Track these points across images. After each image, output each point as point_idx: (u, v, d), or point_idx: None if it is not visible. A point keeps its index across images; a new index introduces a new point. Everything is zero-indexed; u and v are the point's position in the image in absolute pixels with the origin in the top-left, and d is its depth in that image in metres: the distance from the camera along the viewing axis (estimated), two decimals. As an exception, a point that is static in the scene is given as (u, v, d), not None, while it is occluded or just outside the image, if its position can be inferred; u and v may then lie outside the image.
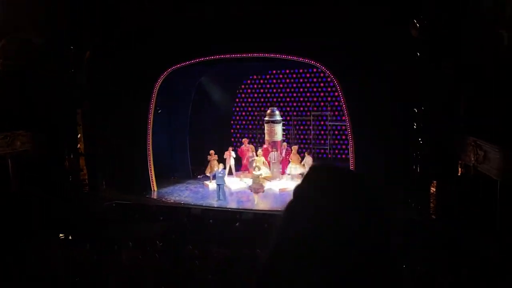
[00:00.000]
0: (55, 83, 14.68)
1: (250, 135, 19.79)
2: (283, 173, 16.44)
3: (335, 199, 1.22)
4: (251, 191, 14.20)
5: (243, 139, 17.41)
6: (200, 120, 18.63)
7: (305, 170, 14.65)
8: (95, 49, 15.38)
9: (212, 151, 16.18)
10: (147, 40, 15.34)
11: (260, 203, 14.40)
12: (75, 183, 15.38)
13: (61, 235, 11.56)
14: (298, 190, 1.33)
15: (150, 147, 15.82)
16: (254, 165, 15.52)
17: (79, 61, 15.14)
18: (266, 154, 16.33)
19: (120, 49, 15.51)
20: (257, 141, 19.53)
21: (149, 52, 15.37)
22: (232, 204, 14.40)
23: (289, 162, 15.86)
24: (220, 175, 14.46)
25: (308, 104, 19.20)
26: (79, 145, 15.54)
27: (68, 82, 15.01)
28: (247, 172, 16.67)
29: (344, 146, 18.75)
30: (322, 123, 19.10)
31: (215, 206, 14.20)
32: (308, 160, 15.12)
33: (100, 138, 15.98)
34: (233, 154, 16.61)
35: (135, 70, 15.50)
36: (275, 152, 16.09)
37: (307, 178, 1.33)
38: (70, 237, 11.55)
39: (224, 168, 15.63)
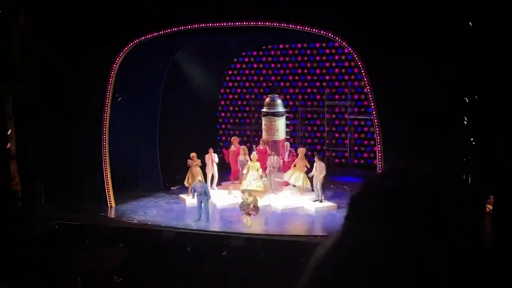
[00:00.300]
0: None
1: (242, 132, 19.70)
2: (285, 184, 16.32)
3: (412, 221, 1.32)
4: (241, 212, 14.03)
5: (232, 138, 17.28)
6: (174, 112, 18.48)
7: (318, 181, 14.82)
8: (32, 11, 15.19)
9: (193, 154, 16.01)
10: (104, 1, 15.21)
11: (254, 225, 14.26)
12: (4, 196, 15.19)
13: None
14: (357, 207, 1.43)
15: (106, 147, 15.69)
16: (244, 172, 15.42)
17: (9, 28, 14.94)
18: (263, 158, 16.20)
19: (66, 13, 15.35)
20: (251, 140, 19.45)
21: (105, 17, 15.22)
22: (217, 226, 14.29)
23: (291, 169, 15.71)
24: (202, 188, 14.31)
25: (321, 91, 19.16)
26: (8, 144, 15.36)
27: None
28: (238, 182, 16.54)
29: (369, 149, 18.71)
30: (339, 116, 19.06)
31: (195, 228, 14.08)
32: (320, 167, 14.97)
33: (38, 136, 15.81)
34: (215, 157, 16.48)
35: (86, 42, 15.34)
36: (275, 156, 15.99)
37: (371, 191, 1.43)
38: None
39: (204, 177, 15.52)
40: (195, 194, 14.59)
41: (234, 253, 12.55)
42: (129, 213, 15.32)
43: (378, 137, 13.89)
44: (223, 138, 20.73)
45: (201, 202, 14.30)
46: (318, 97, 19.35)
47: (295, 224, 14.09)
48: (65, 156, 15.98)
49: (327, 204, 15.15)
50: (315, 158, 15.37)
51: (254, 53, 20.12)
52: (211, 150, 16.68)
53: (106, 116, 15.57)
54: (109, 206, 15.80)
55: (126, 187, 16.89)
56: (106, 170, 15.70)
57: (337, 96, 19.06)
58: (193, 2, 14.72)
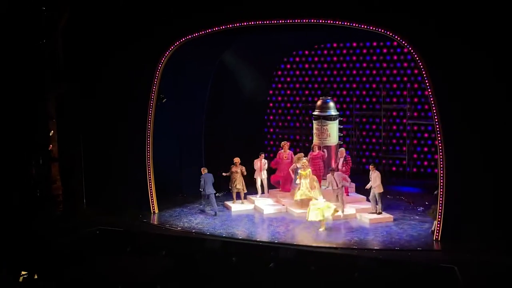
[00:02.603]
0: (17, 58, 14.85)
1: (291, 137, 19.59)
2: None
3: None
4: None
5: (283, 143, 17.14)
6: (221, 114, 18.55)
7: (376, 191, 14.52)
8: (75, 11, 15.50)
9: (236, 159, 16.05)
10: (148, 0, 15.39)
11: (303, 237, 14.14)
12: (45, 200, 15.52)
13: (23, 273, 11.61)
14: None
15: (150, 152, 15.84)
16: (297, 181, 15.32)
17: (53, 28, 15.29)
18: (316, 164, 16.06)
19: (110, 13, 15.59)
20: (301, 146, 19.32)
21: (150, 17, 15.38)
22: (265, 236, 14.23)
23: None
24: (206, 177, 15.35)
25: (377, 93, 18.87)
26: (51, 146, 15.69)
27: (37, 57, 15.15)
28: (287, 190, 16.45)
29: (429, 156, 18.30)
30: (397, 121, 18.73)
31: (240, 237, 14.06)
32: (374, 176, 14.70)
33: (81, 138, 16.10)
34: (265, 164, 16.43)
35: (129, 43, 15.54)
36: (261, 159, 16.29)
37: None
38: (35, 277, 11.60)
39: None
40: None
41: (282, 265, 12.45)
42: (172, 220, 15.43)
43: (439, 144, 13.54)
44: (271, 142, 20.68)
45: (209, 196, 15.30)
46: (374, 100, 19.05)
47: (347, 236, 13.87)
48: (108, 160, 16.23)
49: (382, 215, 14.87)
50: (370, 166, 15.10)
51: (306, 52, 19.99)
52: (262, 155, 16.63)
53: (150, 119, 15.72)
54: (152, 212, 15.95)
55: (170, 193, 17.02)
56: (150, 175, 15.85)
57: (394, 99, 18.73)
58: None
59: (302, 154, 16.16)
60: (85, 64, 15.88)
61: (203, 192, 15.63)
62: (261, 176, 16.49)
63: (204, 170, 15.68)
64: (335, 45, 19.51)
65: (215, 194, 15.73)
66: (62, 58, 15.58)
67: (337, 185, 14.98)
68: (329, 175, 15.22)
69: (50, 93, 15.60)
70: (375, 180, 14.69)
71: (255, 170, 16.46)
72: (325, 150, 16.42)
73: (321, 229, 14.13)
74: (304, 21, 14.39)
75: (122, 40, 15.66)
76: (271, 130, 20.79)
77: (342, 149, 16.33)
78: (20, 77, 15.13)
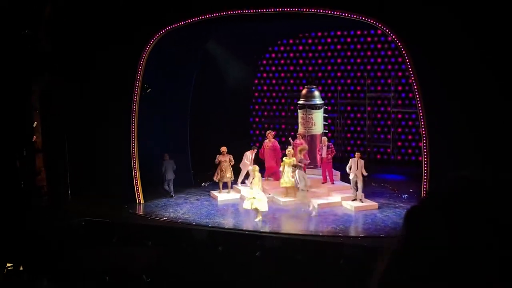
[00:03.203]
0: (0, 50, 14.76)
1: (276, 126, 19.64)
2: (324, 180, 16.24)
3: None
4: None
5: (268, 132, 17.19)
6: (206, 104, 18.55)
7: (358, 179, 14.64)
8: (59, 3, 15.41)
9: (223, 149, 16.07)
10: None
11: (289, 225, 14.24)
12: (29, 191, 15.47)
13: (8, 265, 11.61)
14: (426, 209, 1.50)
15: (135, 141, 15.83)
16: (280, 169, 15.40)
17: (37, 18, 15.20)
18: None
19: (93, 4, 15.51)
20: (286, 134, 19.40)
21: (134, 7, 15.32)
22: (250, 225, 14.30)
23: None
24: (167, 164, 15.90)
25: (362, 82, 18.97)
26: (35, 137, 15.63)
27: (20, 48, 15.06)
28: (272, 179, 16.52)
29: (414, 144, 18.46)
30: (381, 109, 18.85)
31: (226, 227, 14.12)
32: (360, 165, 14.79)
33: (65, 128, 16.05)
34: (253, 156, 16.37)
35: (113, 32, 15.48)
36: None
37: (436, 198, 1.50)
38: (20, 269, 11.59)
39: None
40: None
41: (268, 253, 12.53)
42: (158, 210, 15.45)
43: (423, 132, 13.68)
44: (257, 132, 20.73)
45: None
46: (358, 88, 19.16)
47: (333, 224, 14.01)
48: (93, 150, 16.19)
49: (367, 203, 15.02)
50: (355, 154, 15.21)
51: (290, 41, 20.03)
52: (254, 149, 16.55)
53: (135, 109, 15.70)
54: (138, 202, 15.94)
55: (155, 183, 17.04)
56: (135, 165, 15.85)
57: (379, 88, 18.85)
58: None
59: (307, 147, 15.93)
60: (69, 56, 15.80)
61: (165, 178, 16.19)
62: (247, 168, 16.41)
63: (166, 157, 16.11)
64: (319, 34, 19.55)
65: (173, 179, 16.32)
66: (46, 49, 15.47)
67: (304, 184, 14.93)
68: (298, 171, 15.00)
69: (34, 84, 15.51)
70: (361, 168, 14.72)
71: (244, 160, 16.35)
72: (303, 141, 16.35)
73: (256, 219, 14.05)
74: (288, 9, 14.42)
75: (106, 31, 15.58)
76: (257, 119, 20.83)
77: (325, 138, 16.41)
78: (3, 69, 15.03)
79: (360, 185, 14.82)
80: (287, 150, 15.61)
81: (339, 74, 19.45)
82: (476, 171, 1.61)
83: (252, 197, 14.06)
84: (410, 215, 1.50)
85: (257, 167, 14.90)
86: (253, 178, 14.76)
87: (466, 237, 1.38)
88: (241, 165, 16.35)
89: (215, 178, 16.11)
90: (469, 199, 1.44)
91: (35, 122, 15.62)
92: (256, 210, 14.03)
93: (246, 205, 14.26)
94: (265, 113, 20.66)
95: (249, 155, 16.26)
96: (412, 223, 1.49)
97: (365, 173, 14.64)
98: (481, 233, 1.37)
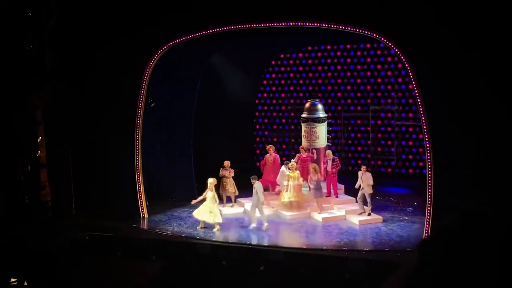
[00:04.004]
0: (2, 63, 14.82)
1: (280, 139, 19.65)
2: (328, 194, 16.22)
3: None
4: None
5: (268, 146, 17.19)
6: (209, 118, 18.58)
7: (365, 192, 14.63)
8: (63, 16, 15.50)
9: (226, 162, 16.08)
10: (135, 4, 15.39)
11: (294, 238, 14.20)
12: (33, 206, 15.47)
13: (12, 280, 11.59)
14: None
15: (138, 155, 15.84)
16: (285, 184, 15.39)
17: (40, 33, 15.27)
18: (305, 166, 16.12)
19: (97, 17, 15.60)
20: (290, 148, 19.41)
21: (138, 21, 15.41)
22: (255, 239, 14.27)
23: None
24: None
25: (365, 95, 18.99)
26: (39, 152, 15.65)
27: (24, 62, 15.12)
28: (274, 193, 16.51)
29: (418, 157, 18.43)
30: (385, 122, 18.85)
31: (230, 241, 14.07)
32: (366, 177, 14.79)
33: (69, 143, 16.07)
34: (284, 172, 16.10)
35: (117, 46, 15.56)
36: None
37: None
38: (25, 284, 11.57)
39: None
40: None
41: (272, 267, 12.49)
42: (162, 225, 15.43)
43: (427, 145, 13.66)
44: (260, 145, 20.75)
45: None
46: (362, 101, 19.18)
47: (337, 237, 13.97)
48: (97, 165, 16.21)
49: (372, 216, 14.98)
50: (361, 168, 15.20)
51: (294, 55, 20.09)
52: (288, 163, 16.37)
53: (139, 123, 15.73)
54: (141, 217, 15.94)
55: (159, 197, 17.02)
56: (139, 179, 15.85)
57: (382, 101, 18.86)
58: (226, 3, 14.76)
59: (316, 166, 15.69)
60: (73, 69, 15.86)
61: None
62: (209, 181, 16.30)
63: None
64: (322, 47, 19.61)
65: None
66: (50, 62, 15.55)
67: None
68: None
69: (38, 99, 15.56)
70: (366, 180, 14.75)
71: (279, 177, 16.15)
72: (314, 150, 16.50)
73: (199, 227, 14.65)
74: (292, 24, 14.48)
75: (110, 45, 15.66)
76: (260, 133, 20.85)
77: (329, 151, 16.42)
78: (7, 83, 15.10)
79: (368, 199, 14.81)
80: (290, 164, 15.59)
81: (342, 87, 19.47)
82: (478, 203, 1.67)
83: (209, 211, 14.35)
84: (422, 247, 1.64)
85: (215, 180, 14.83)
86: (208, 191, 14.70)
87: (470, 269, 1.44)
88: (277, 181, 16.26)
89: (220, 191, 16.16)
90: (474, 233, 1.54)
91: (40, 137, 15.65)
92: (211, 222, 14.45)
93: (196, 214, 14.61)
94: (269, 127, 20.68)
95: (285, 171, 15.93)
96: (424, 255, 1.60)
97: (371, 183, 14.64)
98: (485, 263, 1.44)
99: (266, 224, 14.55)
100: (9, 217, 14.63)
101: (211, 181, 14.62)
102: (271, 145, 17.20)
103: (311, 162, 16.21)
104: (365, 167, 15.12)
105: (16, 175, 15.47)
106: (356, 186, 14.97)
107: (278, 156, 16.95)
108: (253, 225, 14.67)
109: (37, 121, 15.67)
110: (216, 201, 14.55)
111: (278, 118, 20.52)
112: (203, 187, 17.20)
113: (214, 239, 14.15)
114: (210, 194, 14.46)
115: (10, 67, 15.08)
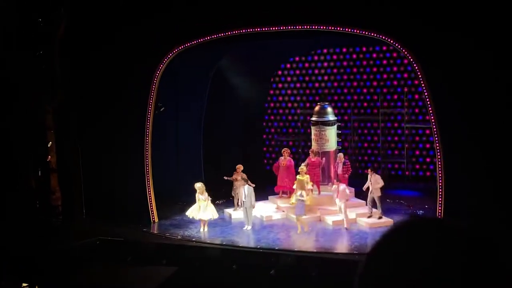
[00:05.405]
0: (14, 70, 14.91)
1: (289, 143, 19.63)
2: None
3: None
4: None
5: (283, 150, 17.12)
6: (219, 122, 18.59)
7: (375, 195, 14.59)
8: (72, 22, 15.58)
9: (239, 166, 16.05)
10: (144, 9, 15.44)
11: (304, 242, 14.16)
12: (44, 210, 15.53)
13: (23, 285, 11.63)
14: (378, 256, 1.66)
15: (148, 160, 15.88)
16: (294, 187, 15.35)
17: (50, 39, 15.36)
18: (315, 170, 16.08)
19: (106, 23, 15.67)
20: (300, 151, 19.37)
21: (147, 26, 15.47)
22: (265, 243, 14.24)
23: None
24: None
25: (375, 97, 18.93)
26: (49, 157, 15.72)
27: (34, 69, 15.21)
28: (287, 195, 16.48)
29: (428, 159, 18.35)
30: (395, 125, 18.78)
31: (241, 245, 14.06)
32: (374, 180, 14.74)
33: (79, 148, 16.13)
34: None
35: (126, 51, 15.61)
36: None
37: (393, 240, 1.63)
38: (35, 288, 11.62)
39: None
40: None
41: (282, 271, 12.46)
42: (172, 229, 15.43)
43: (437, 147, 13.60)
44: (270, 149, 20.73)
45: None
46: (372, 104, 19.12)
47: (348, 241, 13.92)
48: (107, 169, 16.25)
49: (383, 219, 14.91)
50: (369, 171, 15.16)
51: (303, 58, 20.07)
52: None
53: (149, 127, 15.76)
54: (152, 221, 15.95)
55: (169, 201, 17.03)
56: (149, 183, 15.88)
57: (392, 103, 18.80)
58: (236, 7, 14.79)
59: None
60: (83, 75, 15.93)
61: None
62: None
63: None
64: (331, 50, 19.58)
65: None
66: (59, 67, 15.63)
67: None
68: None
69: (48, 104, 15.64)
70: (375, 183, 14.70)
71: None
72: (323, 158, 16.39)
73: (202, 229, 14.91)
74: (302, 27, 14.47)
75: (119, 50, 15.71)
76: (270, 136, 20.83)
77: (341, 154, 16.37)
78: (18, 89, 15.19)
79: (377, 201, 14.74)
80: (299, 168, 15.57)
81: (352, 90, 19.42)
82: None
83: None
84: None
85: (202, 185, 15.11)
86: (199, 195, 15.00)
87: None
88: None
89: (233, 194, 16.20)
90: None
91: (50, 142, 15.72)
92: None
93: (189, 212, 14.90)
94: (278, 130, 20.65)
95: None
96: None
97: (381, 183, 14.57)
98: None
99: (249, 227, 14.94)
100: (20, 222, 14.68)
101: (199, 186, 14.92)
102: (286, 148, 17.10)
103: (316, 168, 16.13)
104: (371, 170, 15.06)
105: (27, 180, 15.54)
106: (364, 188, 14.91)
107: (292, 160, 16.83)
108: (248, 226, 14.92)
109: (48, 126, 15.75)
110: (208, 199, 14.90)
111: (288, 122, 20.49)
112: (212, 191, 17.22)
113: (224, 243, 14.15)
114: (201, 197, 14.76)
115: (20, 72, 15.17)
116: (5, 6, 14.56)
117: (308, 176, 15.42)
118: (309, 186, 15.34)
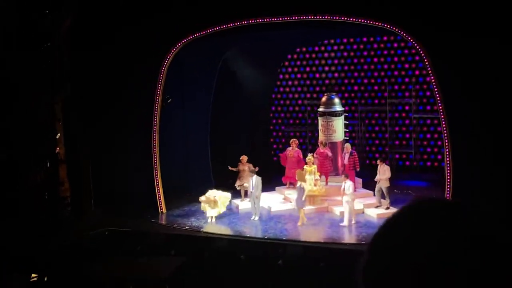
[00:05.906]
0: (22, 62, 14.95)
1: (296, 134, 19.61)
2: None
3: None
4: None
5: (292, 140, 17.08)
6: (226, 113, 18.61)
7: (383, 185, 14.57)
8: (79, 15, 15.60)
9: (243, 157, 16.09)
10: (151, 1, 15.46)
11: (312, 233, 14.19)
12: (53, 202, 15.61)
13: (33, 275, 11.70)
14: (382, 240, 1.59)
15: (156, 151, 15.93)
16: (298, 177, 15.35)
17: (57, 31, 15.38)
18: (323, 161, 16.04)
19: (113, 15, 15.68)
20: (307, 142, 19.36)
21: (153, 18, 15.47)
22: (272, 233, 14.28)
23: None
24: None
25: (382, 88, 18.88)
26: (58, 148, 15.78)
27: (42, 61, 15.25)
28: (292, 187, 16.49)
29: (436, 149, 18.30)
30: (403, 115, 18.73)
31: (248, 235, 14.10)
32: (383, 170, 14.72)
33: (88, 139, 16.19)
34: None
35: (134, 43, 15.63)
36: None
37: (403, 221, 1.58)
38: (45, 279, 11.68)
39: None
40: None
41: (290, 262, 12.50)
42: (181, 220, 15.50)
43: (445, 137, 13.56)
44: (277, 140, 20.73)
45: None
46: (379, 94, 19.07)
47: (355, 231, 13.93)
48: (116, 161, 16.31)
49: (390, 210, 14.89)
50: (378, 161, 15.13)
51: (310, 48, 20.02)
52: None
53: (156, 119, 15.81)
54: (160, 212, 16.02)
55: (177, 192, 17.09)
56: (157, 174, 15.94)
57: (400, 93, 18.74)
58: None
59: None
60: (90, 68, 15.97)
61: None
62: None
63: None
64: (338, 40, 19.52)
65: None
66: (67, 60, 15.66)
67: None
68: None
69: (57, 95, 15.69)
70: (383, 173, 14.67)
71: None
72: (330, 153, 16.28)
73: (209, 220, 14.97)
74: (308, 17, 14.43)
75: (126, 43, 15.74)
76: (277, 127, 20.82)
77: (348, 145, 16.35)
78: (26, 80, 15.24)
79: (385, 192, 14.72)
80: (307, 158, 15.57)
81: (359, 80, 19.37)
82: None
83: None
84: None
85: (207, 198, 15.15)
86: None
87: None
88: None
89: (236, 185, 16.18)
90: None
91: (58, 134, 15.77)
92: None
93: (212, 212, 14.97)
94: (285, 121, 20.63)
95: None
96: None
97: (388, 174, 14.53)
98: None
99: (256, 217, 14.94)
100: (29, 214, 14.77)
101: (203, 199, 15.06)
102: (294, 139, 17.08)
103: (325, 159, 16.10)
104: (380, 160, 15.02)
105: (33, 176, 15.60)
106: (376, 179, 14.91)
107: (300, 151, 16.80)
108: (255, 217, 14.92)
109: (56, 118, 15.79)
110: (215, 201, 14.99)
111: (295, 113, 20.47)
112: (220, 182, 17.21)
113: (232, 234, 14.19)
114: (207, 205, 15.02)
115: (28, 65, 15.21)
116: (5, 6, 14.58)
117: (315, 166, 15.41)
118: (317, 176, 15.33)
